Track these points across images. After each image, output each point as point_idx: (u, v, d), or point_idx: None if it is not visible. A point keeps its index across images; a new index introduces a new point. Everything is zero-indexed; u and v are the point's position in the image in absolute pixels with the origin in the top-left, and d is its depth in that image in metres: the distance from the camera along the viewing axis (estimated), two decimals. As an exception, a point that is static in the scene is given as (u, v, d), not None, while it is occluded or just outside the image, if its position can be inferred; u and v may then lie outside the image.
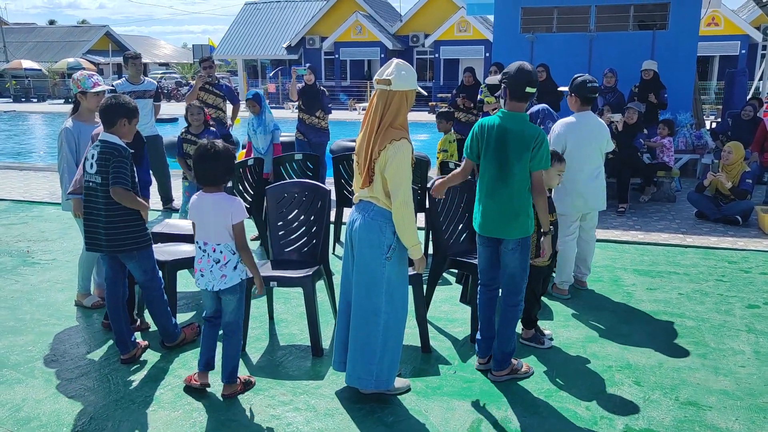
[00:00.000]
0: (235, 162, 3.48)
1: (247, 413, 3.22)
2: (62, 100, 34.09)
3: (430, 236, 4.92)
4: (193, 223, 3.31)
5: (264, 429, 3.08)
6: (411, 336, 4.04)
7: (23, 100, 35.16)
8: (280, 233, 4.20)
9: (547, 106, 5.29)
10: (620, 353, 3.91)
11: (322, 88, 7.90)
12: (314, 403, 3.32)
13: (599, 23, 10.60)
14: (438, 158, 7.22)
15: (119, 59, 41.89)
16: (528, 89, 3.34)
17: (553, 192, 4.26)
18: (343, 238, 5.19)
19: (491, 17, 28.19)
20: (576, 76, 4.68)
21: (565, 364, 3.78)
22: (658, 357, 3.86)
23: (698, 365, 3.75)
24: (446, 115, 7.26)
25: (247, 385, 3.45)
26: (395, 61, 3.10)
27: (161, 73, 41.86)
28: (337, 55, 30.93)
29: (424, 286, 4.12)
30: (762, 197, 7.86)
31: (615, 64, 9.52)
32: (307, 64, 8.01)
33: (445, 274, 5.17)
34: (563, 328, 4.28)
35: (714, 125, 12.47)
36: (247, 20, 35.96)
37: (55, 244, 6.24)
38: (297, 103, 7.88)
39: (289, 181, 4.37)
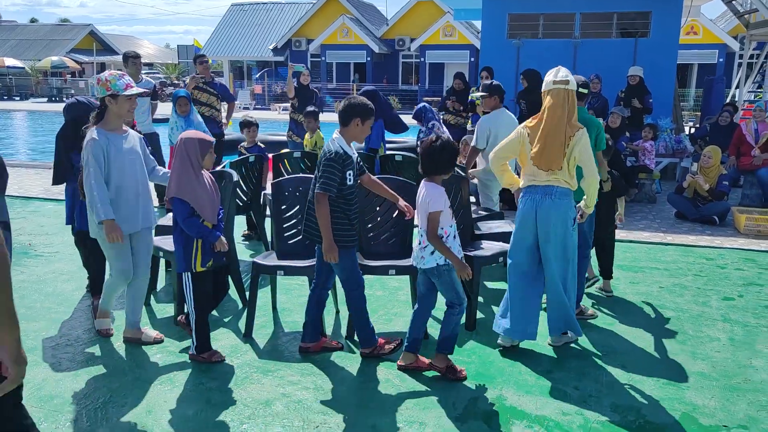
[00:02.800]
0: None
1: (259, 392, 3.42)
2: (45, 99, 33.84)
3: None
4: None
5: (275, 405, 3.28)
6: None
7: (5, 98, 34.83)
8: (284, 225, 4.40)
9: (428, 104, 6.24)
10: (606, 339, 4.17)
11: (314, 88, 8.08)
12: (321, 383, 3.52)
13: (584, 30, 10.95)
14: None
15: (104, 58, 41.77)
16: (581, 90, 4.20)
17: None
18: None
19: (476, 22, 28.65)
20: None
21: (554, 348, 4.02)
22: (641, 343, 4.12)
23: (678, 350, 4.02)
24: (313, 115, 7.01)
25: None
26: (561, 67, 3.82)
27: (145, 73, 41.63)
28: (323, 58, 31.12)
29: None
30: (737, 199, 8.22)
31: (599, 69, 9.86)
32: (302, 64, 8.17)
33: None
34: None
35: (693, 131, 12.89)
36: (233, 21, 36.02)
37: (56, 237, 6.36)
38: (290, 103, 8.03)
39: (292, 176, 4.57)
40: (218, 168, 5.06)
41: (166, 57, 49.82)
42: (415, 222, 3.72)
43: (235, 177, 4.56)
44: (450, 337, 3.59)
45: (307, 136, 7.03)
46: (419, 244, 3.52)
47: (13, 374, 1.73)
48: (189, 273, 3.60)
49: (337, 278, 3.94)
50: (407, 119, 7.69)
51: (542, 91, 3.87)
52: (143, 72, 7.53)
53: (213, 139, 3.72)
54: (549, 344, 4.07)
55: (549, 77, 3.81)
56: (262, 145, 6.36)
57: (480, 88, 8.93)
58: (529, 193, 3.80)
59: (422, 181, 3.54)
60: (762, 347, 4.07)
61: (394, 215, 4.38)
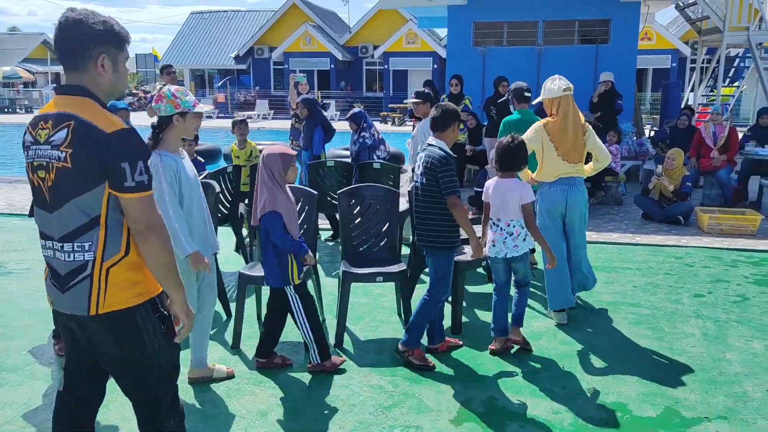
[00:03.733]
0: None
1: (254, 403, 3.42)
2: (-2, 110, 32.80)
3: (412, 237, 5.21)
4: (486, 203, 4.02)
5: (271, 415, 3.29)
6: (396, 330, 4.32)
7: (-45, 109, 33.62)
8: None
9: (363, 110, 6.84)
10: (587, 339, 4.30)
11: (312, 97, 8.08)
12: (315, 392, 3.55)
13: (547, 37, 11.23)
14: None
15: (58, 68, 40.66)
16: (526, 94, 5.49)
17: None
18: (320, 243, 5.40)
19: (439, 30, 29.03)
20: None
21: (539, 350, 4.13)
22: (620, 341, 4.27)
23: (656, 347, 4.17)
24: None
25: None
26: (558, 76, 4.49)
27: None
28: (286, 65, 31.00)
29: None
30: (699, 199, 8.54)
31: (562, 75, 10.10)
32: (303, 74, 8.19)
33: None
34: (533, 319, 4.65)
35: (652, 133, 13.32)
36: (193, 30, 35.62)
37: (27, 254, 6.21)
38: (293, 112, 8.03)
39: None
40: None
41: (123, 66, 48.90)
42: (492, 216, 4.03)
43: (217, 188, 4.55)
44: (523, 312, 4.12)
45: (235, 146, 6.96)
46: (511, 234, 3.94)
47: (187, 323, 2.26)
48: (291, 286, 3.63)
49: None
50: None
51: (550, 98, 4.47)
52: None
53: (294, 153, 3.68)
54: (553, 320, 4.62)
55: (555, 85, 4.46)
56: (201, 159, 6.28)
57: (447, 97, 9.13)
58: (558, 184, 4.49)
59: (495, 179, 4.02)
60: (733, 341, 4.26)
61: (385, 228, 4.43)
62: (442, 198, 3.65)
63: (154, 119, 3.37)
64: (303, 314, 3.67)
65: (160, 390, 2.25)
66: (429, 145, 3.76)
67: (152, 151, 3.20)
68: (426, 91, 6.03)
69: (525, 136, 4.30)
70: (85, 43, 2.05)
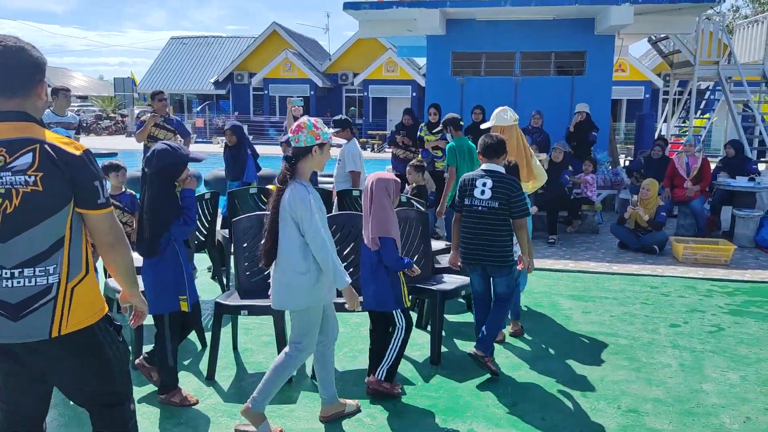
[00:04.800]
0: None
1: (227, 437, 3.33)
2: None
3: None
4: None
5: (246, 451, 3.20)
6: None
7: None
8: (245, 264, 4.34)
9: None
10: (565, 369, 4.29)
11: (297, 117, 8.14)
12: (291, 425, 3.47)
13: (524, 68, 11.43)
14: None
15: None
16: (461, 123, 6.40)
17: None
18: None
19: (418, 59, 29.41)
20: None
21: (517, 381, 4.11)
22: (599, 372, 4.27)
23: (634, 378, 4.18)
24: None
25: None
26: (507, 107, 5.07)
27: (78, 106, 40.41)
28: (266, 91, 31.11)
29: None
30: (673, 229, 8.67)
31: (538, 105, 10.29)
32: (300, 99, 8.24)
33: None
34: (510, 349, 4.63)
35: (627, 163, 13.56)
36: (172, 55, 35.62)
37: None
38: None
39: (255, 213, 4.54)
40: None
41: (100, 89, 48.55)
42: None
43: (195, 215, 4.49)
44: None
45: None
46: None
47: (144, 311, 2.62)
48: (400, 309, 3.75)
49: None
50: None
51: (502, 125, 4.96)
52: (76, 105, 7.70)
53: (399, 180, 3.79)
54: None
55: (507, 116, 5.01)
56: (134, 192, 6.16)
57: (425, 125, 9.22)
58: None
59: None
60: (710, 372, 4.28)
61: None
62: (508, 220, 4.04)
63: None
64: (402, 338, 3.77)
65: (122, 394, 2.36)
66: (489, 171, 4.13)
67: (290, 181, 3.15)
68: (343, 118, 6.71)
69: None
70: (31, 69, 2.11)
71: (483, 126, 5.52)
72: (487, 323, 4.13)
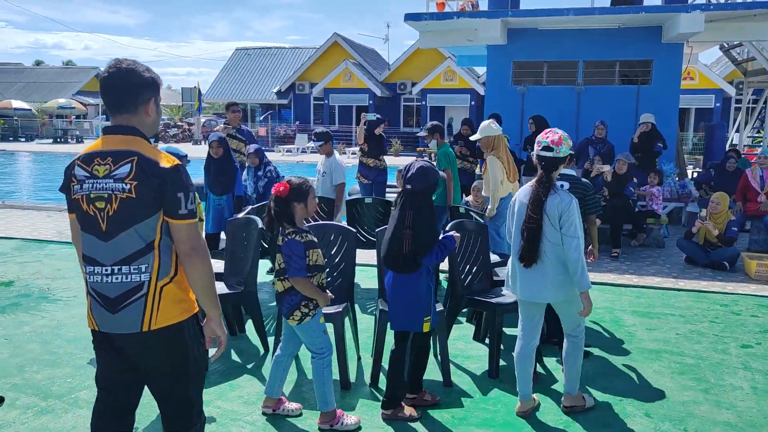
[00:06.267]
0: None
1: (288, 441, 3.41)
2: (50, 140, 34.18)
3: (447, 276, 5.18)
4: None
5: (306, 456, 3.28)
6: (432, 370, 4.29)
7: (11, 139, 35.21)
8: (308, 272, 4.44)
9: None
10: (629, 388, 4.18)
11: (382, 133, 8.25)
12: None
13: (587, 77, 11.22)
14: None
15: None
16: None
17: None
18: (358, 279, 5.44)
19: (477, 68, 29.25)
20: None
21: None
22: (664, 391, 4.14)
23: (701, 399, 4.03)
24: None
25: None
26: (491, 120, 6.24)
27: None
28: (326, 101, 31.64)
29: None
30: (745, 244, 8.30)
31: (602, 115, 10.08)
32: (374, 114, 8.40)
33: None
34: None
35: (695, 175, 13.07)
36: (237, 65, 36.76)
37: (72, 281, 6.40)
38: (359, 147, 8.29)
39: (316, 223, 4.64)
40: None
41: (168, 99, 50.54)
42: None
43: (260, 224, 4.64)
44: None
45: None
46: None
47: (224, 341, 2.49)
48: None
49: None
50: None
51: (491, 135, 6.06)
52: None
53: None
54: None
55: (495, 126, 6.13)
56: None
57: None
58: (509, 198, 5.73)
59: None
60: (785, 396, 4.09)
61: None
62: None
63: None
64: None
65: (193, 396, 2.48)
66: (564, 175, 4.35)
67: (553, 189, 3.52)
68: (323, 131, 6.95)
69: (497, 168, 6.03)
70: (137, 89, 2.35)
71: (472, 138, 6.68)
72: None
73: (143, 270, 2.30)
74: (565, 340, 3.76)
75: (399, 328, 3.62)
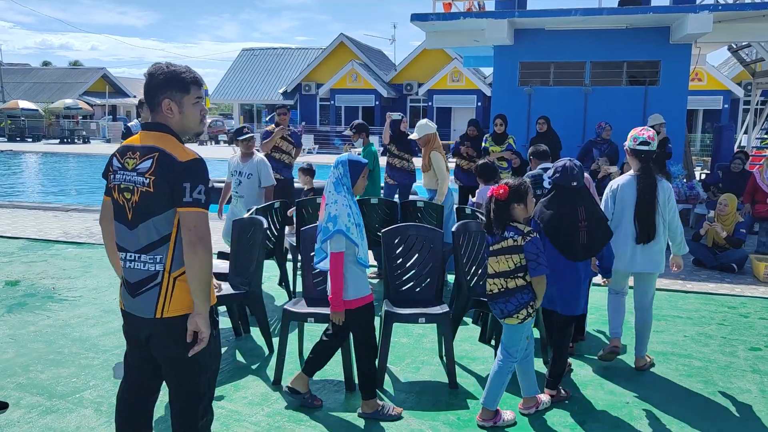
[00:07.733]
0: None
1: (292, 443, 3.40)
2: (57, 140, 34.33)
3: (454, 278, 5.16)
4: None
5: (310, 457, 3.26)
6: (437, 372, 4.26)
7: (18, 139, 35.39)
8: (314, 272, 4.43)
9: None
10: (636, 390, 4.15)
11: (407, 131, 8.12)
12: (355, 434, 3.50)
13: (594, 78, 11.16)
14: None
15: (115, 101, 42.51)
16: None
17: None
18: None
19: (483, 69, 29.21)
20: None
21: (585, 399, 4.00)
22: (672, 394, 4.10)
23: (710, 403, 3.99)
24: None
25: None
26: (426, 119, 6.40)
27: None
28: (332, 102, 31.69)
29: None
30: (753, 246, 8.23)
31: (609, 116, 10.02)
32: (399, 113, 8.31)
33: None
34: (580, 367, 4.52)
35: (703, 176, 12.99)
36: (243, 65, 36.83)
37: (78, 281, 6.41)
38: (385, 147, 8.12)
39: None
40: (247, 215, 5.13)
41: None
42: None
43: (265, 224, 4.63)
44: None
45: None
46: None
47: (206, 336, 2.44)
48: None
49: None
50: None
51: (429, 133, 6.57)
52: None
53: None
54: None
55: (432, 124, 6.69)
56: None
57: (491, 136, 9.14)
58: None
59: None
60: (794, 399, 4.04)
61: (428, 268, 4.43)
62: None
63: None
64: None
65: (200, 389, 2.54)
66: (546, 169, 4.64)
67: (657, 177, 4.28)
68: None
69: (442, 162, 6.58)
70: (155, 91, 2.49)
71: (410, 137, 7.12)
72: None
73: (158, 260, 2.42)
74: (636, 312, 4.51)
75: (569, 312, 3.90)
